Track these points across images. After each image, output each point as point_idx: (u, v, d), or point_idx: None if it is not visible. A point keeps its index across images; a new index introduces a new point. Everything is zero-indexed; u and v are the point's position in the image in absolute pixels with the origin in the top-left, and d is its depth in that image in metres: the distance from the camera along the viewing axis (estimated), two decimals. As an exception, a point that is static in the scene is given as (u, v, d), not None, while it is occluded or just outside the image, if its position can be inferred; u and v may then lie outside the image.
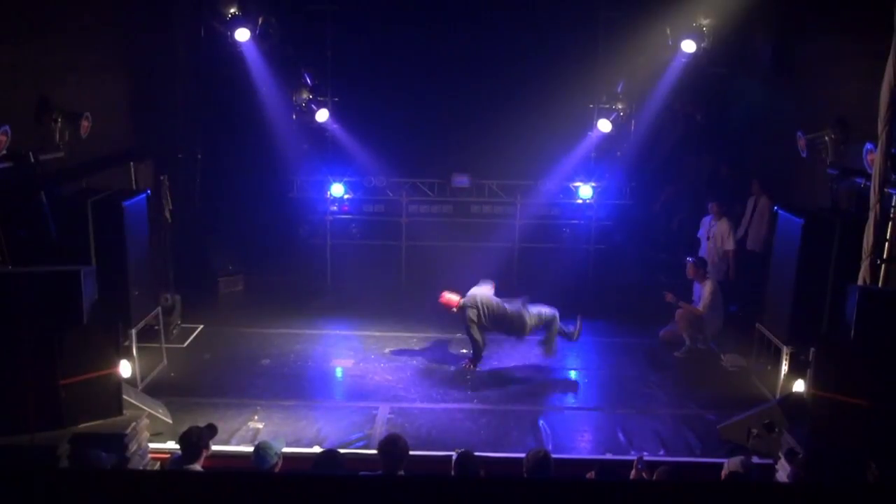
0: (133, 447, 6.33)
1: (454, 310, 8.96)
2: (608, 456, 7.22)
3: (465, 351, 9.45)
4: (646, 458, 7.14)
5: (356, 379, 8.85)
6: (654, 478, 5.42)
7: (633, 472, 5.74)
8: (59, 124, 8.22)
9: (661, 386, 8.77)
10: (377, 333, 10.09)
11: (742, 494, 2.73)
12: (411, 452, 5.70)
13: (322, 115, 11.86)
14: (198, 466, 5.63)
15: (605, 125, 11.77)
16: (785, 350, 8.15)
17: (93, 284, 6.31)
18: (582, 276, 11.97)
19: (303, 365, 9.18)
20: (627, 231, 12.57)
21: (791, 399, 7.39)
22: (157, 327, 9.06)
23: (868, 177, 6.85)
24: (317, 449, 6.79)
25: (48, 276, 6.13)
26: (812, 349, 6.95)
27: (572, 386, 8.93)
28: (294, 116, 12.05)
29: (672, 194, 12.92)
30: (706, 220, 10.68)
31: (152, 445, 6.79)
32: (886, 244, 6.92)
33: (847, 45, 9.03)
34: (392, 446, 5.52)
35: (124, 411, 6.50)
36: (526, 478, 5.30)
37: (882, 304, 6.15)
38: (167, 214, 10.14)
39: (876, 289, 6.51)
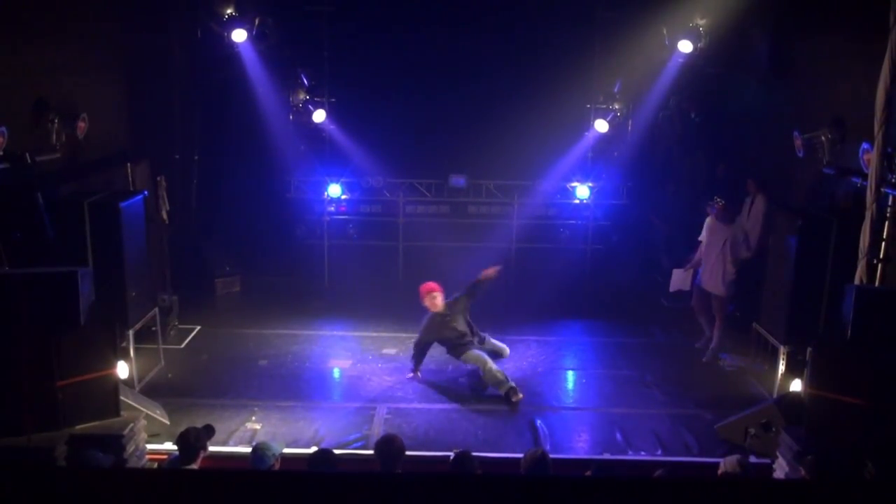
0: (130, 448, 6.33)
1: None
2: (606, 456, 7.23)
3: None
4: (643, 457, 7.20)
5: (354, 379, 8.85)
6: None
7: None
8: (56, 125, 8.22)
9: (659, 385, 8.78)
10: (374, 334, 10.09)
11: (740, 492, 2.73)
12: (409, 453, 5.72)
13: (319, 116, 11.87)
14: (195, 467, 5.62)
15: (601, 125, 11.80)
16: (782, 350, 8.17)
17: (90, 286, 6.30)
18: (579, 276, 11.99)
19: (300, 366, 9.17)
20: (624, 231, 12.58)
21: (788, 398, 7.40)
22: (154, 328, 9.06)
23: (864, 176, 6.87)
24: (314, 450, 6.79)
25: (45, 278, 6.12)
26: (809, 349, 6.97)
27: (569, 386, 8.94)
28: (291, 117, 12.07)
29: (670, 194, 12.94)
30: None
31: (150, 446, 6.78)
32: (883, 244, 6.93)
33: (843, 45, 9.05)
34: (388, 446, 5.53)
35: (122, 412, 6.50)
36: (523, 475, 5.29)
37: (878, 304, 6.16)
38: (164, 215, 10.14)
39: (872, 288, 6.53)
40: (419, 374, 8.74)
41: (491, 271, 8.92)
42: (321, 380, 8.91)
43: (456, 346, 8.75)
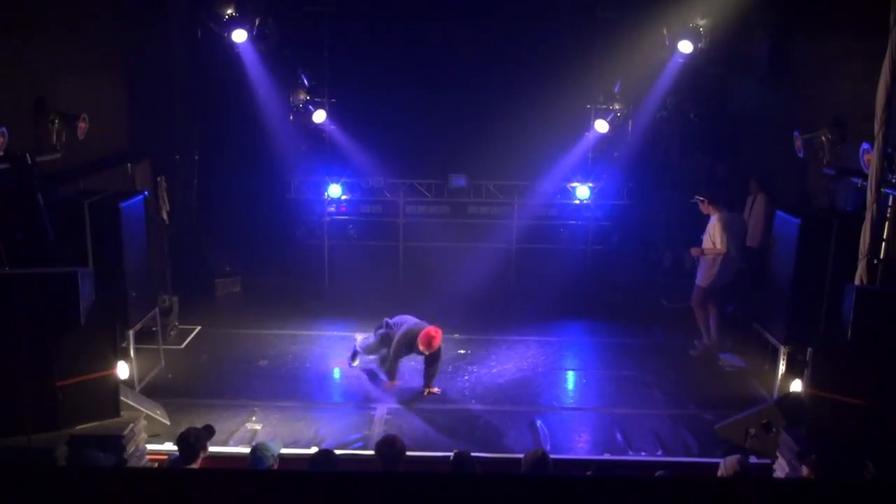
0: (131, 448, 6.33)
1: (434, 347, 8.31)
2: (606, 456, 7.23)
3: (462, 352, 9.46)
4: (643, 457, 7.20)
5: (354, 380, 8.85)
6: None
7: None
8: (56, 126, 8.21)
9: (659, 386, 8.77)
10: (375, 334, 10.08)
11: (741, 491, 2.73)
12: (409, 453, 5.72)
13: (319, 116, 11.86)
14: (195, 468, 5.62)
15: (602, 125, 11.79)
16: (782, 350, 8.16)
17: (90, 286, 6.30)
18: (579, 276, 11.98)
19: (300, 366, 9.17)
20: (625, 231, 12.58)
21: (788, 399, 7.40)
22: (154, 329, 9.06)
23: (865, 177, 6.87)
24: (314, 450, 6.79)
25: (45, 278, 6.12)
26: (809, 349, 6.97)
27: (570, 386, 8.94)
28: (291, 117, 12.05)
29: (670, 194, 12.93)
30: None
31: (150, 447, 6.79)
32: (883, 244, 6.93)
33: (844, 46, 9.05)
34: (389, 447, 5.54)
35: (122, 413, 6.50)
36: (524, 474, 5.29)
37: (879, 304, 6.16)
38: (164, 216, 10.14)
39: (873, 288, 6.52)
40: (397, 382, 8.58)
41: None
42: (321, 380, 8.90)
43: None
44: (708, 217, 9.48)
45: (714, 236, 9.26)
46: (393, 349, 8.46)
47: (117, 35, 10.23)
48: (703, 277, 9.48)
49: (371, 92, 11.84)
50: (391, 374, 8.53)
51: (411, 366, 9.06)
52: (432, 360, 8.41)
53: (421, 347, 8.25)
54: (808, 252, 7.86)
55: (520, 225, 12.19)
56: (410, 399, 8.34)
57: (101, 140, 9.35)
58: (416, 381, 8.62)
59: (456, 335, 9.77)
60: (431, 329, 8.22)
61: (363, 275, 11.72)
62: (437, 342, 8.23)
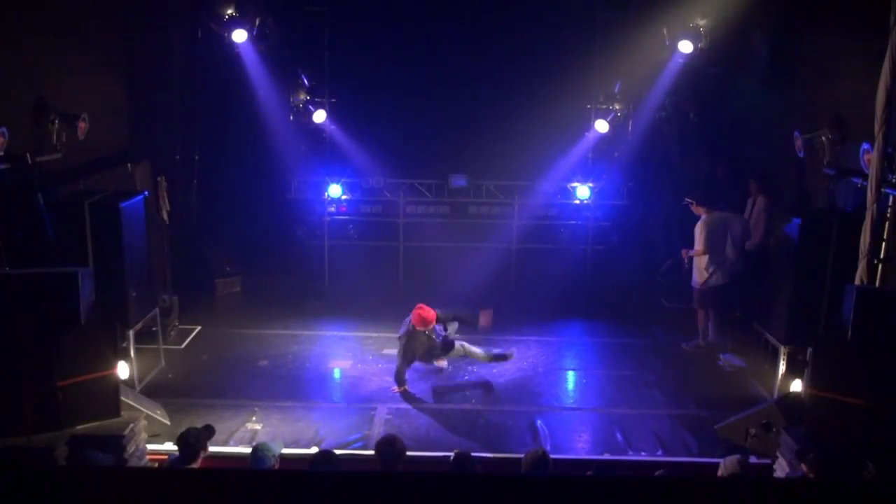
0: (131, 448, 6.33)
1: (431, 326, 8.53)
2: (606, 456, 7.23)
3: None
4: (643, 457, 7.21)
5: (354, 380, 8.86)
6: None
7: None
8: (56, 126, 8.22)
9: (659, 386, 8.78)
10: (375, 334, 10.09)
11: (740, 491, 2.73)
12: (409, 453, 5.72)
13: (319, 116, 11.86)
14: (195, 468, 5.62)
15: (602, 126, 11.79)
16: (782, 350, 8.17)
17: (90, 286, 6.30)
18: (579, 276, 11.97)
19: (301, 366, 9.18)
20: (625, 231, 12.58)
21: (789, 399, 7.41)
22: (154, 328, 9.06)
23: (865, 177, 6.87)
24: (315, 450, 6.80)
25: (46, 278, 6.12)
26: (809, 349, 6.97)
27: (570, 386, 8.94)
28: (291, 117, 12.05)
29: (670, 195, 12.92)
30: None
31: (150, 447, 6.79)
32: (883, 244, 6.93)
33: (844, 45, 9.05)
34: (389, 447, 5.53)
35: (122, 413, 6.50)
36: (524, 474, 5.29)
37: (879, 304, 6.16)
38: (164, 215, 10.14)
39: (873, 288, 6.53)
40: (407, 387, 8.60)
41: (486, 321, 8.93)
42: (322, 380, 8.91)
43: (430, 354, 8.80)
44: None
45: (696, 237, 9.38)
46: (400, 355, 8.49)
47: (117, 35, 10.24)
48: (695, 279, 9.58)
49: (371, 92, 11.83)
50: (400, 380, 8.50)
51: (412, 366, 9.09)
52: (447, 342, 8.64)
53: (421, 328, 8.37)
54: (808, 252, 7.87)
55: (520, 225, 12.18)
56: (410, 399, 8.35)
57: (101, 140, 9.35)
58: (416, 382, 8.62)
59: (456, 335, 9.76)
60: (414, 312, 8.42)
61: (363, 275, 11.72)
62: (430, 313, 8.42)
